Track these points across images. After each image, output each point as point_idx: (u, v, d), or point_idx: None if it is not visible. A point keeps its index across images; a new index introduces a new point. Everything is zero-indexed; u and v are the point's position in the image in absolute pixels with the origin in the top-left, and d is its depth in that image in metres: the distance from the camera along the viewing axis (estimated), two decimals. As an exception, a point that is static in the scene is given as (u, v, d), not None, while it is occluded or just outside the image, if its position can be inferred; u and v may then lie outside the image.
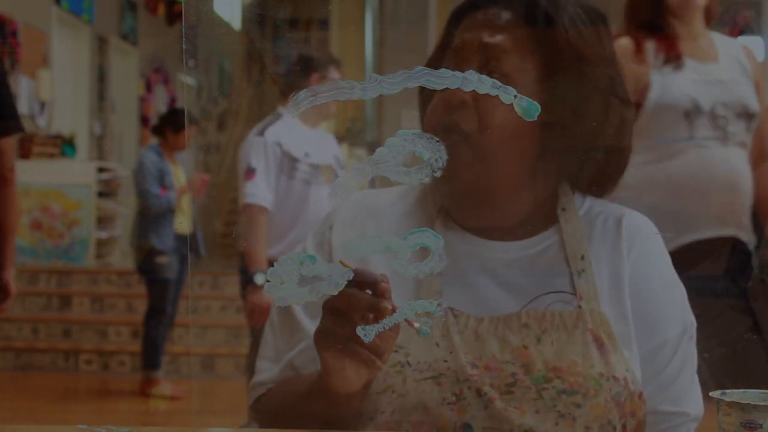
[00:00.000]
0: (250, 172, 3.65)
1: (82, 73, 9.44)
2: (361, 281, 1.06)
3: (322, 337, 1.10)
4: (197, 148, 12.13)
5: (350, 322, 1.06)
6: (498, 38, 1.26)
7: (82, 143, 9.20)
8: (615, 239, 1.32)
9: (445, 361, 1.23)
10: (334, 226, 1.34)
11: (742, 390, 1.08)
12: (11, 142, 3.20)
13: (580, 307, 1.26)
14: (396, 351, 1.22)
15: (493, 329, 1.25)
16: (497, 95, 1.17)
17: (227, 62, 12.06)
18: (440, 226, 1.32)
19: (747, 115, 2.61)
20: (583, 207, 1.35)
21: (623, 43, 2.55)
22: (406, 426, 1.22)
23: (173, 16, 10.82)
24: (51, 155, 8.08)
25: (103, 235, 8.48)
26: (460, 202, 1.31)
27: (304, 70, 3.68)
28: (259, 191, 3.64)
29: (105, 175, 8.61)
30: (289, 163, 3.65)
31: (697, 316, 1.34)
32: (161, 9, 10.82)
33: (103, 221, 8.53)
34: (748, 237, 2.59)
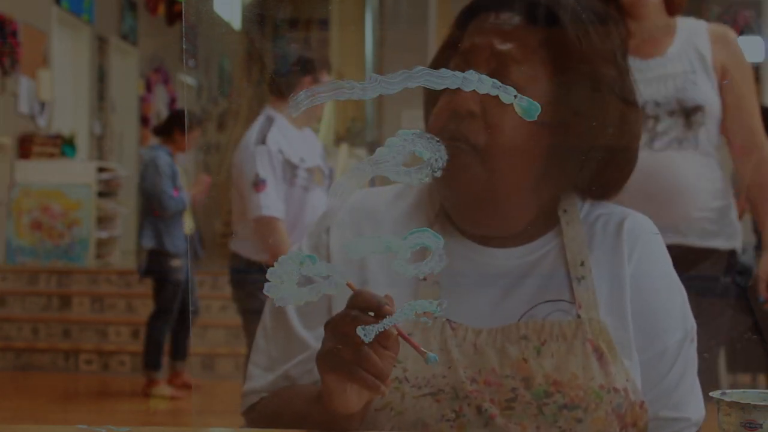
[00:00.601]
0: (261, 184, 3.57)
1: (82, 73, 9.44)
2: (365, 303, 1.03)
3: (325, 359, 1.07)
4: (197, 148, 12.13)
5: (354, 346, 1.04)
6: (510, 47, 1.23)
7: (82, 143, 9.19)
8: (616, 243, 1.30)
9: (444, 376, 1.21)
10: (332, 229, 1.32)
11: (742, 390, 1.08)
12: None
13: (579, 316, 1.24)
14: (393, 366, 1.20)
15: (491, 341, 1.23)
16: (507, 105, 1.17)
17: (227, 62, 12.06)
18: (438, 230, 1.29)
19: (684, 111, 2.46)
20: (583, 209, 1.33)
21: None
22: None
23: (173, 16, 10.81)
24: (51, 155, 8.08)
25: (103, 235, 8.48)
26: (465, 210, 1.29)
27: (299, 71, 3.65)
28: (272, 202, 3.55)
29: (105, 175, 8.61)
30: (289, 170, 3.63)
31: (697, 316, 1.33)
32: (161, 9, 10.82)
33: (103, 221, 8.53)
34: (694, 239, 2.47)
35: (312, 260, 0.99)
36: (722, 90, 2.51)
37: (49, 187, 7.88)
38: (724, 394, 1.07)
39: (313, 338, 1.28)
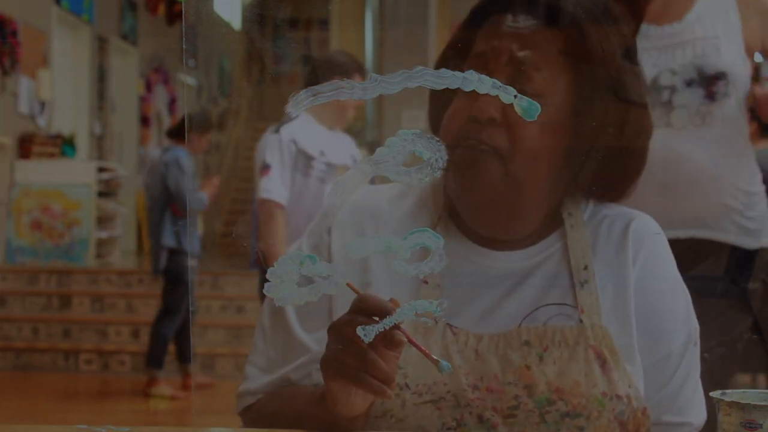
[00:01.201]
0: (265, 169, 3.65)
1: (82, 73, 9.44)
2: (370, 308, 1.02)
3: (329, 364, 1.06)
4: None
5: (359, 351, 1.03)
6: (529, 54, 1.21)
7: (82, 143, 9.20)
8: (621, 246, 1.28)
9: (445, 383, 1.20)
10: (333, 229, 1.30)
11: (742, 390, 1.07)
12: None
13: (581, 321, 1.23)
14: (396, 359, 1.19)
15: (493, 347, 1.22)
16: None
17: (227, 62, 12.07)
18: (441, 231, 1.28)
19: (704, 80, 2.18)
20: (587, 210, 1.32)
21: None
22: None
23: (173, 16, 10.81)
24: (51, 155, 8.08)
25: (103, 235, 8.48)
26: (480, 213, 1.27)
27: (327, 73, 3.66)
28: (273, 187, 3.63)
29: (105, 175, 8.61)
30: (304, 160, 3.66)
31: (697, 316, 1.32)
32: (161, 9, 10.82)
33: (103, 221, 8.53)
34: (713, 233, 2.24)
35: (312, 260, 0.98)
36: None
37: (49, 187, 7.88)
38: (723, 394, 1.07)
39: (313, 341, 1.27)
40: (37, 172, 7.88)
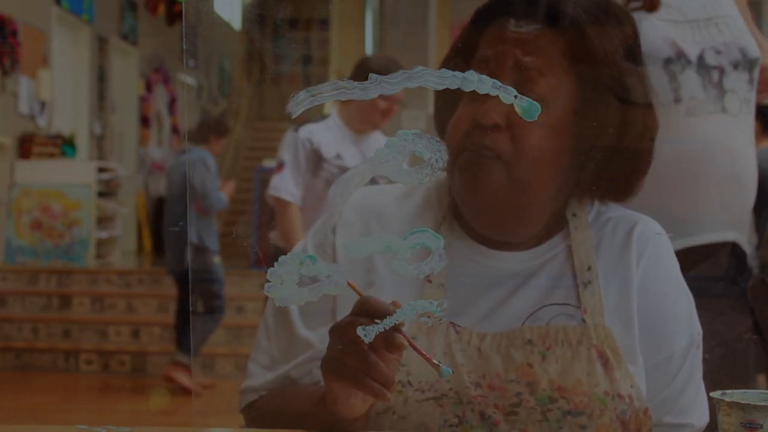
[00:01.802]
0: (280, 166, 3.69)
1: (82, 73, 9.44)
2: (373, 311, 1.02)
3: (330, 366, 1.06)
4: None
5: (360, 353, 1.03)
6: (534, 59, 1.21)
7: (82, 143, 9.20)
8: (625, 248, 1.29)
9: (447, 381, 1.20)
10: (337, 228, 1.31)
11: (742, 390, 1.07)
12: None
13: (584, 321, 1.24)
14: (397, 362, 1.19)
15: (496, 346, 1.23)
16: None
17: (227, 62, 12.07)
18: (445, 231, 1.29)
19: (747, 63, 1.95)
20: (591, 212, 1.32)
21: None
22: None
23: (173, 16, 10.82)
24: (51, 155, 8.08)
25: (103, 235, 8.48)
26: (486, 218, 1.27)
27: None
28: (283, 185, 3.66)
29: (105, 175, 8.61)
30: (315, 160, 3.66)
31: (698, 317, 1.33)
32: (161, 9, 10.82)
33: (103, 221, 8.53)
34: (746, 237, 2.08)
35: (312, 260, 0.98)
36: None
37: (49, 187, 7.88)
38: (724, 394, 1.07)
39: (316, 339, 1.28)
40: (37, 172, 7.88)
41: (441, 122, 1.32)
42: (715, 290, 2.29)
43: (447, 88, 0.93)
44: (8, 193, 7.82)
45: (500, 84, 0.95)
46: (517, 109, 0.96)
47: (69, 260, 7.85)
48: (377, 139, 3.80)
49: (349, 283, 1.02)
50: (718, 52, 1.92)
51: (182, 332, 5.80)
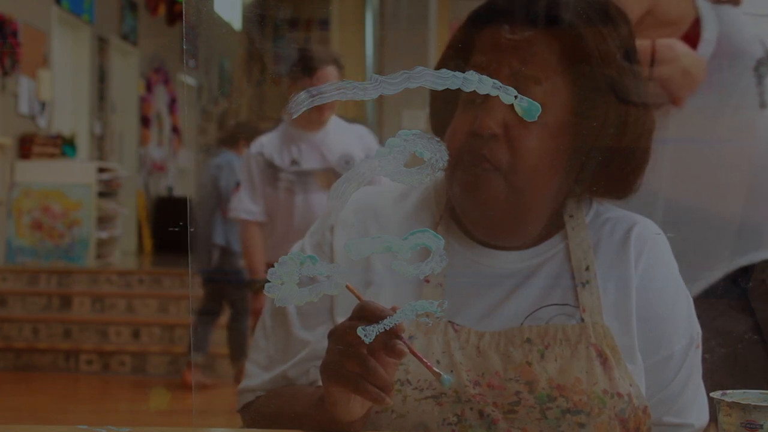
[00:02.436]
0: (236, 186, 3.75)
1: (82, 73, 9.44)
2: (372, 315, 1.02)
3: (329, 370, 1.07)
4: (198, 148, 12.15)
5: (359, 358, 1.03)
6: (530, 67, 1.21)
7: (83, 143, 9.20)
8: (623, 248, 1.29)
9: None
10: (336, 228, 1.31)
11: (742, 390, 1.07)
12: None
13: (582, 320, 1.24)
14: (396, 366, 1.20)
15: (495, 344, 1.23)
16: (529, 125, 1.17)
17: (227, 62, 12.06)
18: (442, 231, 1.29)
19: None
20: (590, 213, 1.32)
21: None
22: None
23: (173, 16, 10.81)
24: (51, 155, 8.08)
25: (104, 235, 8.48)
26: (485, 224, 1.27)
27: (303, 70, 3.63)
28: (240, 204, 3.73)
29: (105, 175, 8.61)
30: (271, 173, 3.66)
31: (698, 317, 1.33)
32: (161, 9, 10.82)
33: (103, 221, 8.53)
34: None
35: (313, 260, 0.98)
36: None
37: (49, 187, 7.88)
38: (724, 394, 1.07)
39: (313, 338, 1.28)
40: (38, 172, 7.88)
41: (436, 126, 1.32)
42: (716, 290, 2.29)
43: (442, 93, 0.94)
44: (8, 193, 7.82)
45: (500, 84, 0.95)
46: (518, 109, 0.96)
47: (69, 260, 7.85)
48: (332, 130, 3.72)
49: (347, 286, 1.02)
50: (762, 42, 1.78)
51: (201, 334, 5.84)
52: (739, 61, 1.65)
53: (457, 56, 1.28)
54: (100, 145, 9.83)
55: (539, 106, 0.97)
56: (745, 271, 2.37)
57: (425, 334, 1.23)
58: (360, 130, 3.84)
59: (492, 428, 1.19)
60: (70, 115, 9.11)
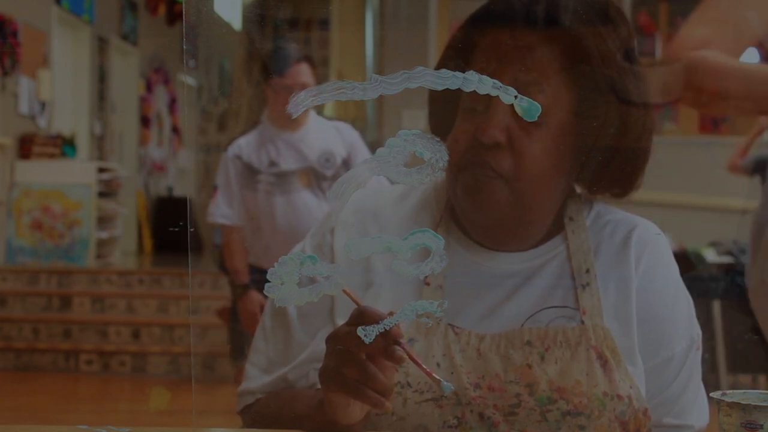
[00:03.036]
0: (213, 190, 3.72)
1: (82, 73, 9.44)
2: (369, 321, 1.01)
3: (328, 376, 1.06)
4: (198, 148, 12.14)
5: (358, 363, 1.03)
6: (532, 75, 1.21)
7: (83, 143, 9.20)
8: (623, 251, 1.29)
9: (446, 382, 1.21)
10: (336, 229, 1.31)
11: (742, 391, 1.07)
12: None
13: (583, 322, 1.24)
14: (395, 370, 1.18)
15: (495, 347, 1.23)
16: (532, 133, 1.16)
17: (227, 62, 12.05)
18: (442, 232, 1.29)
19: None
20: (590, 215, 1.32)
21: None
22: None
23: (173, 16, 10.81)
24: (51, 155, 8.08)
25: (104, 235, 8.48)
26: (488, 230, 1.28)
27: (274, 69, 3.61)
28: (216, 209, 3.71)
29: (105, 175, 8.61)
30: (248, 175, 3.64)
31: (698, 317, 1.33)
32: (161, 9, 10.82)
33: (103, 221, 8.53)
34: None
35: (312, 260, 0.98)
36: None
37: (49, 187, 7.88)
38: (724, 394, 1.07)
39: (313, 340, 1.28)
40: (38, 172, 7.87)
41: (436, 126, 1.32)
42: (716, 291, 2.29)
43: (441, 93, 0.94)
44: (8, 193, 7.82)
45: (500, 84, 0.95)
46: (518, 109, 0.96)
47: (69, 260, 7.85)
48: (312, 128, 3.68)
49: (345, 291, 1.02)
50: None
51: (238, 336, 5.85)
52: None
53: (457, 56, 1.28)
54: (100, 145, 9.83)
55: (539, 106, 0.97)
56: (745, 272, 2.37)
57: (425, 337, 1.23)
58: (340, 126, 3.79)
59: (492, 430, 1.19)
60: (70, 115, 9.11)
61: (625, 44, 1.26)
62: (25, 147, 7.97)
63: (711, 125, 9.39)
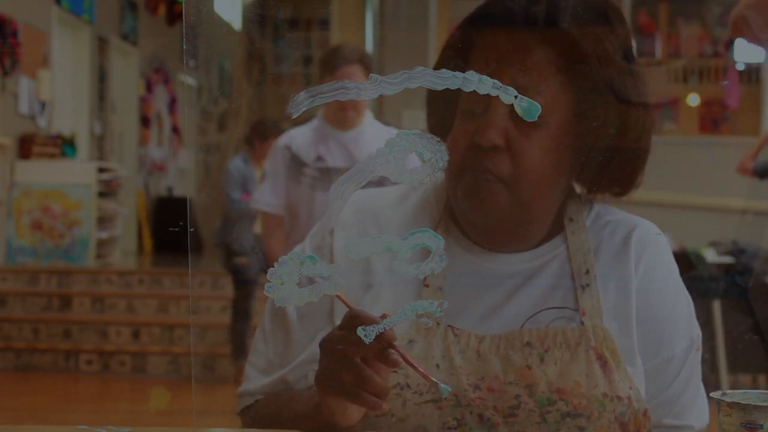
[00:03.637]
0: (263, 178, 3.73)
1: (82, 73, 9.44)
2: (362, 324, 1.00)
3: (323, 380, 1.06)
4: (198, 148, 12.14)
5: (354, 367, 1.03)
6: (531, 78, 1.20)
7: (83, 143, 9.20)
8: (623, 251, 1.29)
9: (446, 383, 1.21)
10: (336, 230, 1.31)
11: (742, 391, 1.07)
12: None
13: (582, 323, 1.24)
14: (395, 371, 1.18)
15: (495, 348, 1.23)
16: (531, 135, 1.16)
17: (227, 62, 12.05)
18: (442, 233, 1.29)
19: None
20: (590, 216, 1.32)
21: None
22: None
23: (173, 16, 10.81)
24: (51, 155, 8.07)
25: (104, 235, 8.48)
26: (488, 232, 1.27)
27: (326, 67, 3.60)
28: (262, 196, 3.72)
29: (105, 175, 8.61)
30: (295, 167, 3.65)
31: (698, 317, 1.33)
32: (161, 9, 10.82)
33: (103, 221, 8.53)
34: None
35: (312, 260, 0.98)
36: None
37: (49, 187, 7.88)
38: (724, 394, 1.07)
39: (312, 342, 1.28)
40: (38, 172, 7.87)
41: (435, 126, 1.31)
42: (716, 290, 2.29)
43: (441, 93, 0.93)
44: (8, 193, 7.82)
45: (500, 84, 0.95)
46: (518, 109, 0.96)
47: (69, 260, 7.85)
48: (366, 131, 3.67)
49: (338, 296, 1.01)
50: None
51: (232, 346, 5.89)
52: None
53: (456, 56, 1.27)
54: (100, 145, 9.83)
55: (539, 106, 0.97)
56: (745, 271, 2.37)
57: (425, 338, 1.23)
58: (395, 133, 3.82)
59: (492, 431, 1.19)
60: (70, 115, 9.11)
61: (624, 44, 1.26)
62: (25, 147, 7.96)
63: (711, 125, 9.39)
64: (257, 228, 5.75)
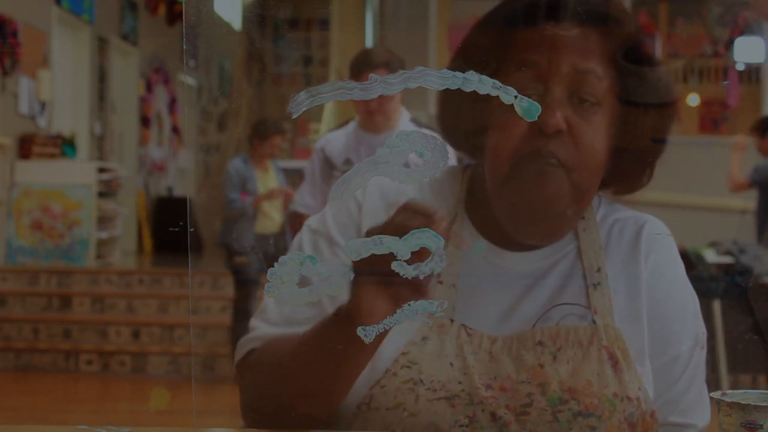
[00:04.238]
0: (301, 178, 3.78)
1: (82, 73, 9.44)
2: (416, 210, 1.00)
3: (362, 273, 1.02)
4: (198, 148, 12.14)
5: (395, 287, 1.01)
6: (592, 64, 1.20)
7: (83, 143, 9.19)
8: (632, 249, 1.29)
9: (459, 382, 1.20)
10: (363, 208, 1.27)
11: (742, 391, 1.08)
12: None
13: (594, 322, 1.24)
14: (408, 367, 1.19)
15: (507, 349, 1.23)
16: (588, 122, 1.16)
17: (227, 62, 12.05)
18: (457, 229, 1.28)
19: None
20: (599, 212, 1.32)
21: None
22: None
23: (173, 16, 10.81)
24: (51, 155, 8.07)
25: (104, 235, 8.48)
26: (533, 226, 1.25)
27: (355, 71, 3.59)
28: (300, 198, 3.81)
29: (105, 175, 8.61)
30: (327, 169, 3.69)
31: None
32: (161, 9, 10.82)
33: (103, 221, 8.53)
34: None
35: (312, 260, 0.98)
36: None
37: (49, 187, 7.88)
38: (724, 394, 1.07)
39: (329, 300, 1.23)
40: (38, 172, 7.87)
41: (447, 124, 1.30)
42: (716, 290, 2.29)
43: (464, 95, 0.92)
44: (8, 193, 7.82)
45: (500, 84, 0.95)
46: (518, 109, 0.96)
47: (69, 260, 7.85)
48: (391, 136, 3.71)
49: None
50: None
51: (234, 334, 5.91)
52: None
53: (462, 56, 1.26)
54: (100, 145, 9.83)
55: (539, 106, 0.97)
56: (745, 271, 2.37)
57: (438, 336, 1.23)
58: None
59: (504, 430, 1.19)
60: (70, 115, 9.11)
61: (644, 42, 1.27)
62: (25, 147, 7.96)
63: (711, 125, 9.40)
64: (258, 228, 5.77)
